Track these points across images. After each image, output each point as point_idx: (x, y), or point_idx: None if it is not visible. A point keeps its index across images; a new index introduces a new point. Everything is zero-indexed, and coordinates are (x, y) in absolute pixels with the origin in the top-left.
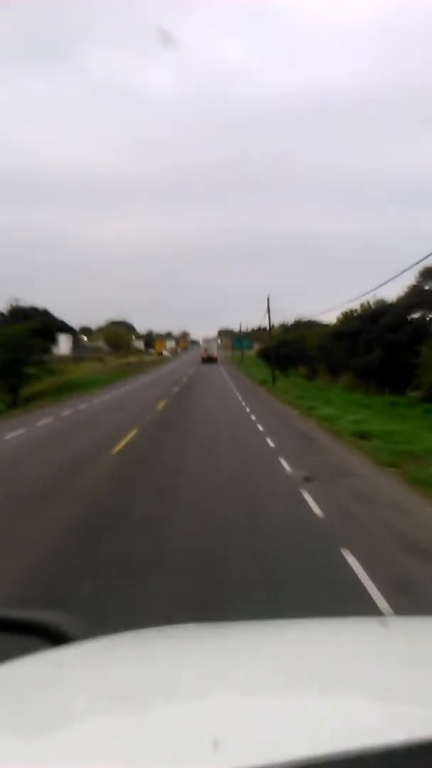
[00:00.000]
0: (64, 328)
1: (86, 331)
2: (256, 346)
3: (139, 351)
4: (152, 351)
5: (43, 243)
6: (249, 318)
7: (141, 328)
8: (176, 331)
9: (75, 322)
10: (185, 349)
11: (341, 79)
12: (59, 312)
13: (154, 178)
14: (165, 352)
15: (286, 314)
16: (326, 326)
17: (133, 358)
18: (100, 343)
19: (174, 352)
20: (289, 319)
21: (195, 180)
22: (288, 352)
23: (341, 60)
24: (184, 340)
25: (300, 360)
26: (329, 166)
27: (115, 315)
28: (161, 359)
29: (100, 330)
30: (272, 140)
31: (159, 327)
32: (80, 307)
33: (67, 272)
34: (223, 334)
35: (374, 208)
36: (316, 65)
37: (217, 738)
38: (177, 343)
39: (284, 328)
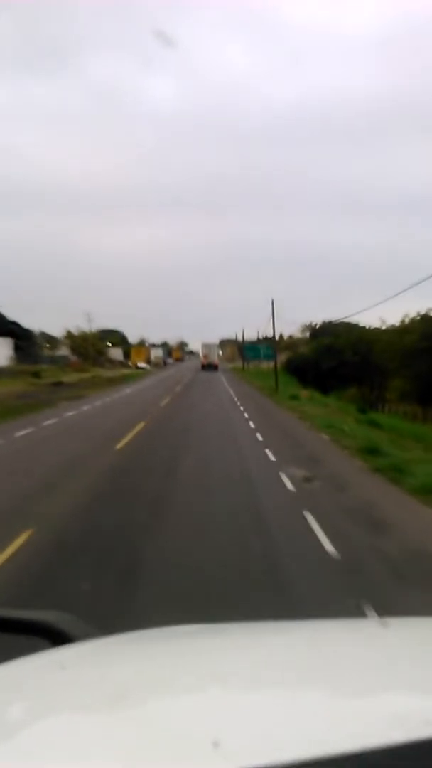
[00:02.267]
0: (16, 332)
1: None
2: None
3: (110, 361)
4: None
5: (38, 250)
6: (249, 331)
7: (134, 337)
8: (174, 341)
9: (58, 330)
10: (179, 360)
11: (346, 87)
12: (50, 319)
13: (153, 184)
14: (142, 365)
15: (293, 324)
16: (418, 318)
17: (85, 374)
18: (65, 352)
19: (162, 364)
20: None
21: (197, 186)
22: (335, 367)
23: (344, 68)
24: (178, 351)
25: (347, 377)
26: (331, 177)
27: (111, 324)
28: (134, 373)
29: (69, 336)
30: (273, 150)
31: (156, 337)
32: (75, 315)
33: (62, 280)
34: (225, 343)
35: (376, 218)
36: (319, 73)
37: (217, 738)
38: (170, 353)
39: (312, 330)
